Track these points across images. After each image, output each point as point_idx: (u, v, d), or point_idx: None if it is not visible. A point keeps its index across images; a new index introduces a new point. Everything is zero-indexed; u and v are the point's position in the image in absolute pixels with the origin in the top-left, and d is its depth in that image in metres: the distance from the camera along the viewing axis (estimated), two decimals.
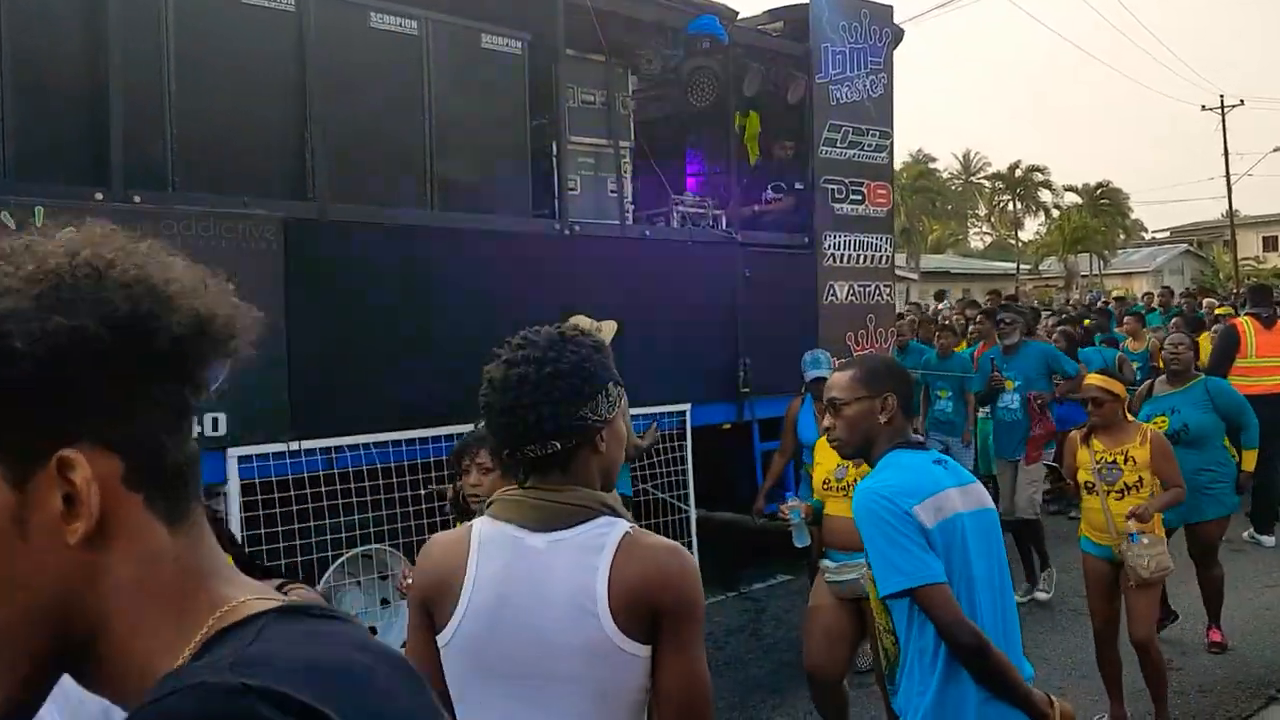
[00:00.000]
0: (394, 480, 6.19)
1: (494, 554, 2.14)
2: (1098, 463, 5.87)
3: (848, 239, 9.10)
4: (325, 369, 6.05)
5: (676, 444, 7.91)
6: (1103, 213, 63.09)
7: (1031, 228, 68.26)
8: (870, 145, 9.26)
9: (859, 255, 9.21)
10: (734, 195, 8.72)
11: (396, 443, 6.25)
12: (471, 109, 6.90)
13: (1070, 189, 64.41)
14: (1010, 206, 65.26)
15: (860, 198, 9.21)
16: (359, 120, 6.39)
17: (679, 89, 8.42)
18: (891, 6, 9.49)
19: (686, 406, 7.92)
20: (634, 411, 7.49)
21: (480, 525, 2.20)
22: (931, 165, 63.78)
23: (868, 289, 9.29)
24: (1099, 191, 64.25)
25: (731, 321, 8.33)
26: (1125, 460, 5.81)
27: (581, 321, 6.55)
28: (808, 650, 5.50)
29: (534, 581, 2.10)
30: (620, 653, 2.07)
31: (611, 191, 7.77)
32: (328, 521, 6.00)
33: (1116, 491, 5.80)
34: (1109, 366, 11.99)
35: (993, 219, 68.91)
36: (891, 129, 9.48)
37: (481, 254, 6.80)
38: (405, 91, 6.59)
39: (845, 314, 9.07)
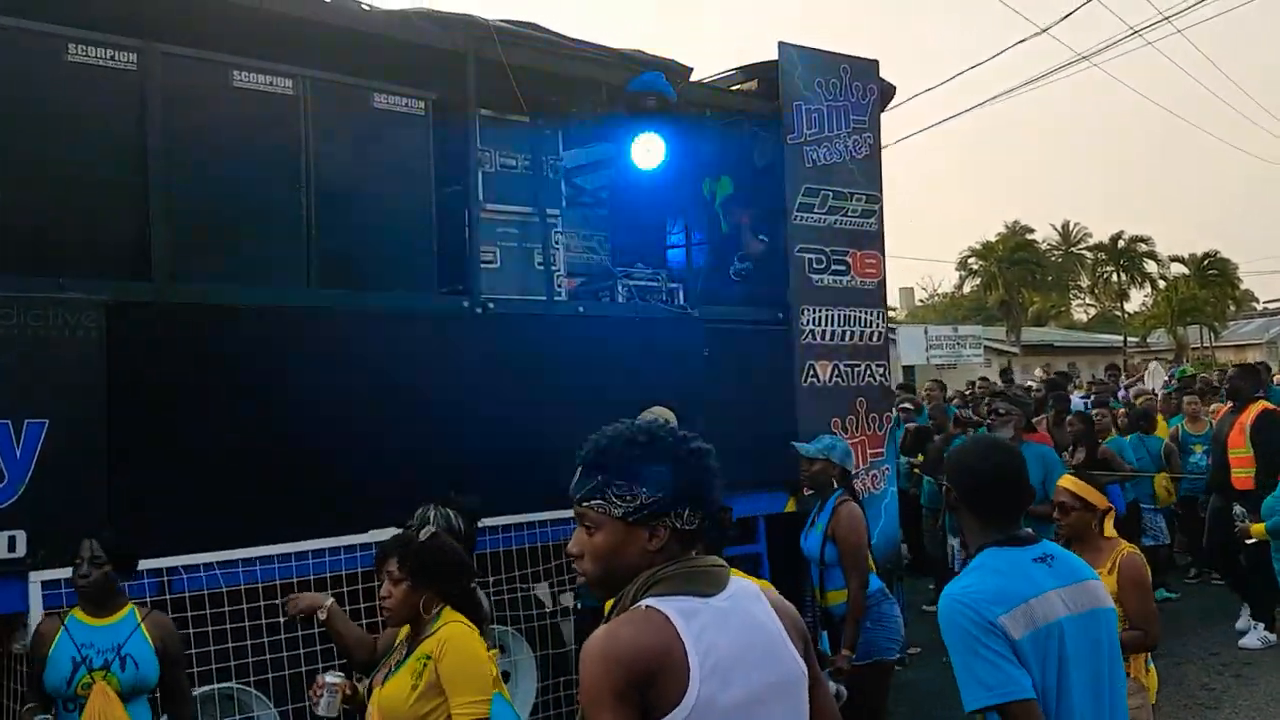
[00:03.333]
0: (243, 605, 5.39)
1: (698, 621, 2.23)
2: None
3: (830, 313, 8.16)
4: (156, 476, 5.30)
5: None
6: (1211, 283, 60.62)
7: (1137, 299, 66.01)
8: (855, 210, 8.35)
9: (844, 331, 8.26)
10: (698, 266, 7.88)
11: (249, 561, 5.46)
12: (362, 175, 6.20)
13: (1176, 259, 62.08)
14: (1114, 278, 63.14)
15: (844, 268, 8.28)
16: (218, 189, 5.71)
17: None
18: (876, 61, 8.62)
19: None
20: (554, 515, 6.67)
21: (661, 603, 2.24)
22: (1029, 236, 61.94)
23: (855, 369, 8.32)
24: (1206, 261, 61.77)
25: (689, 406, 7.42)
26: None
27: (664, 412, 6.15)
28: None
29: (741, 635, 2.28)
30: (804, 676, 2.38)
31: (539, 264, 6.97)
32: None
33: None
34: (1155, 458, 10.87)
35: (1096, 290, 66.75)
36: (880, 192, 8.56)
37: (368, 338, 6.05)
38: (278, 157, 5.92)
39: (829, 397, 8.10)
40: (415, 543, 4.11)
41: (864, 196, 8.41)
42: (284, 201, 5.89)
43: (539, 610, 6.63)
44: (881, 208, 8.58)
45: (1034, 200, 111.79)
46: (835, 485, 6.25)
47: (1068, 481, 5.10)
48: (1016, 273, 58.22)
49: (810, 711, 2.40)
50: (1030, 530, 3.14)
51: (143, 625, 4.57)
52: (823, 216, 8.15)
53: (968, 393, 12.50)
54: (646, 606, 2.24)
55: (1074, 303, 72.00)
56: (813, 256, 8.10)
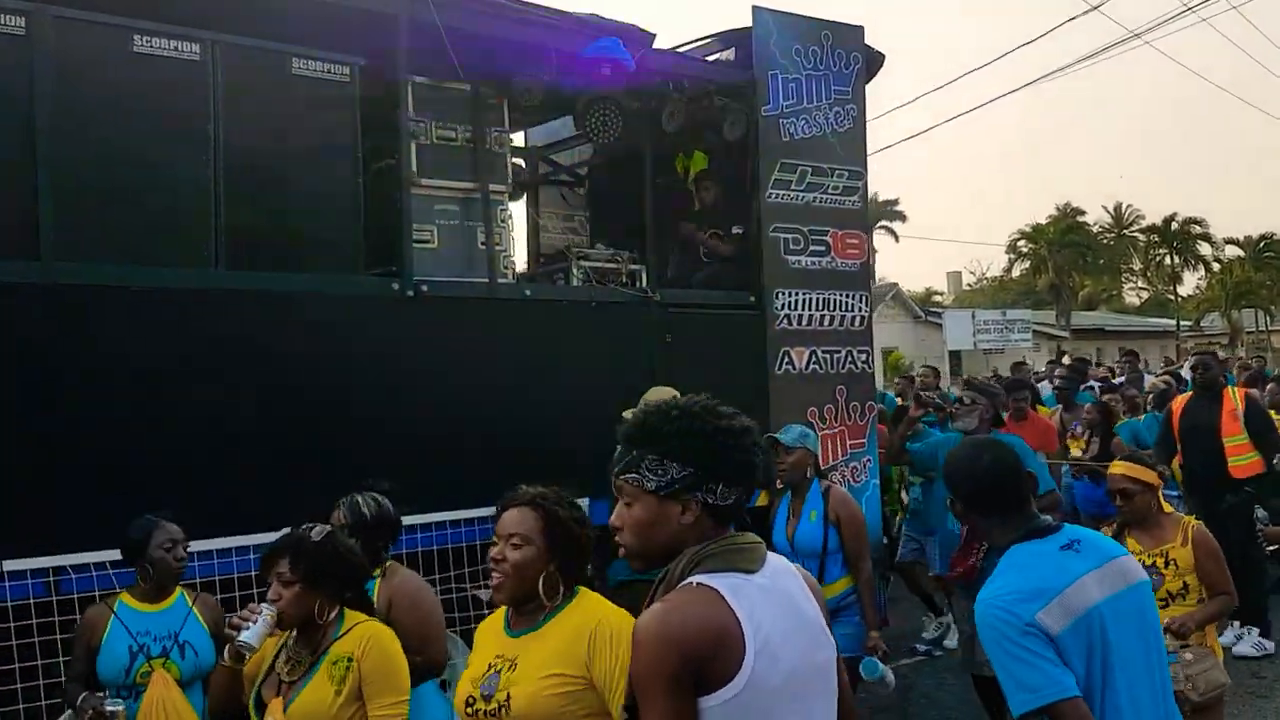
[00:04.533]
0: None
1: (748, 599, 2.26)
2: None
3: (807, 297, 7.66)
4: (40, 470, 4.92)
5: None
6: (1267, 266, 59.20)
7: (1191, 282, 64.65)
8: (836, 188, 7.83)
9: (823, 316, 7.75)
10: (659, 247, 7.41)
11: None
12: (279, 148, 5.78)
13: (1231, 241, 60.64)
14: (1167, 260, 61.82)
15: (824, 249, 7.77)
16: (115, 164, 5.31)
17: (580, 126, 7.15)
18: (861, 28, 8.07)
19: (583, 501, 6.55)
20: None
21: (712, 579, 2.27)
22: (1080, 218, 60.75)
23: (836, 356, 7.81)
24: (1262, 244, 60.26)
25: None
26: (1165, 563, 4.98)
27: (667, 393, 6.03)
28: None
29: (782, 611, 2.32)
30: (835, 661, 2.46)
31: (482, 244, 6.52)
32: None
33: (1159, 601, 4.45)
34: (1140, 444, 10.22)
35: (1148, 273, 65.41)
36: (865, 168, 8.03)
37: (279, 323, 5.65)
38: (183, 128, 5.50)
39: (806, 386, 7.60)
40: (308, 542, 3.71)
41: (846, 172, 7.89)
42: (188, 177, 5.46)
43: (478, 612, 6.20)
44: (866, 184, 8.06)
45: (1085, 182, 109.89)
46: (811, 475, 5.95)
47: (1122, 468, 5.17)
48: (1067, 255, 57.32)
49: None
50: (1049, 518, 3.08)
51: (194, 609, 4.53)
52: (800, 194, 7.65)
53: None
54: (698, 584, 2.28)
55: (1126, 286, 70.82)
56: (789, 236, 7.60)
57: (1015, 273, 63.27)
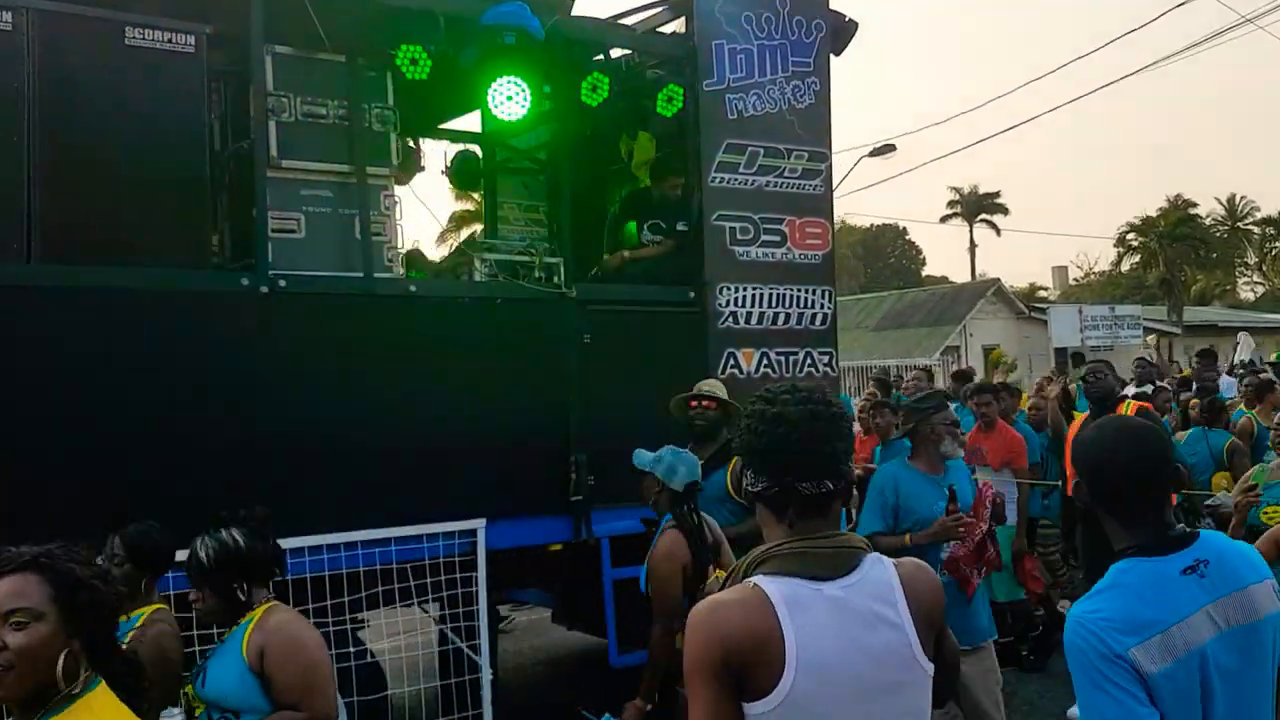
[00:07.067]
0: None
1: (804, 611, 2.16)
2: None
3: (757, 292, 6.83)
4: None
5: (465, 575, 5.88)
6: None
7: None
8: (794, 170, 6.99)
9: (777, 314, 6.92)
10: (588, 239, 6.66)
11: None
12: (109, 128, 5.16)
13: None
14: None
15: (778, 239, 6.93)
16: None
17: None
18: None
19: (479, 524, 5.87)
20: (396, 532, 5.59)
21: (770, 584, 2.19)
22: (1192, 210, 58.34)
23: (793, 358, 6.98)
24: None
25: (560, 405, 6.24)
26: None
27: (713, 385, 6.06)
28: None
29: (850, 630, 2.18)
30: (927, 678, 2.29)
31: (359, 235, 5.84)
32: None
33: None
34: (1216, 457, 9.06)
35: (1264, 267, 62.59)
36: (828, 148, 7.17)
37: (102, 323, 5.04)
38: None
39: (755, 391, 6.76)
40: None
41: (806, 153, 7.04)
42: None
43: (356, 649, 5.53)
44: (829, 166, 7.19)
45: (1197, 173, 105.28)
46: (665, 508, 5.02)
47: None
48: (1178, 249, 55.20)
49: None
50: (1184, 527, 2.69)
51: (129, 634, 3.87)
52: (750, 177, 6.83)
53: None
54: (754, 585, 2.20)
55: (1240, 281, 67.90)
56: (736, 225, 6.79)
57: (1124, 267, 61.13)
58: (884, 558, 2.33)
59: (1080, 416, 7.81)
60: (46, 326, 4.93)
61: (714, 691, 2.14)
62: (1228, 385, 13.59)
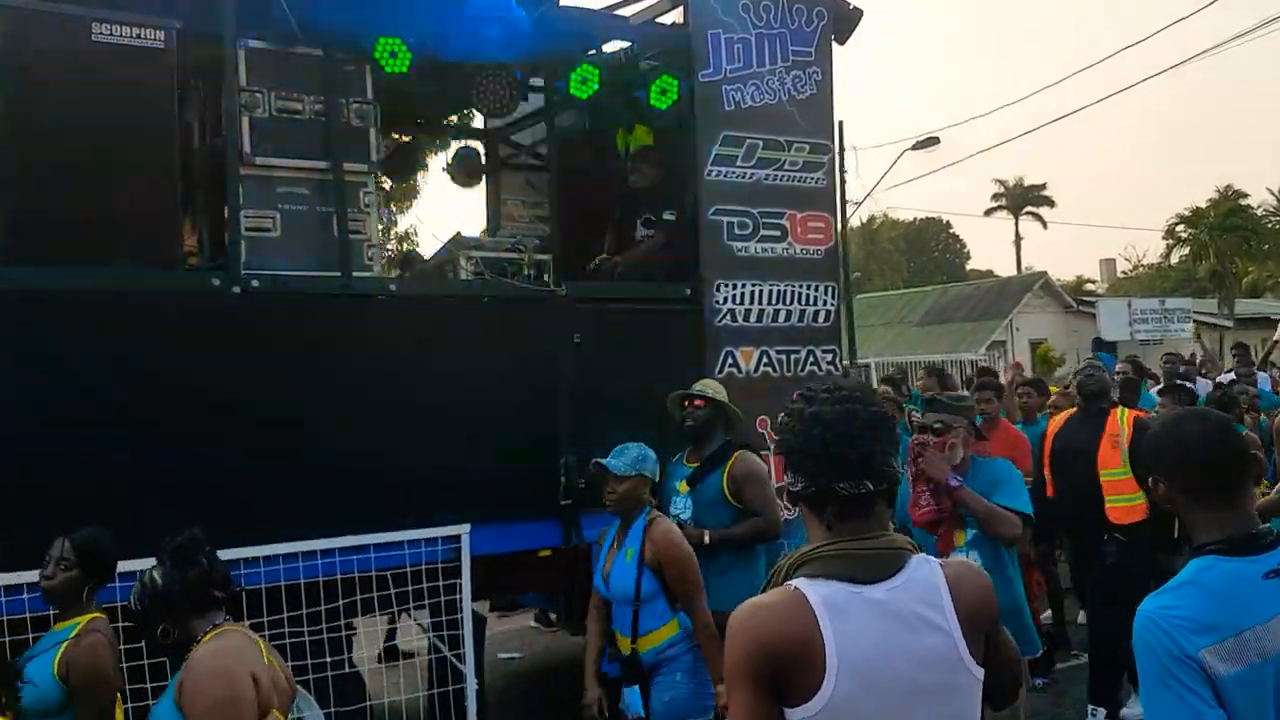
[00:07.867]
0: None
1: (844, 615, 2.13)
2: None
3: (757, 289, 6.62)
4: None
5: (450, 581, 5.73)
6: None
7: None
8: (794, 163, 6.76)
9: (778, 311, 6.70)
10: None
11: None
12: (75, 126, 5.04)
13: None
14: None
15: (779, 234, 6.72)
16: None
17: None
18: None
19: (463, 529, 5.71)
20: (377, 538, 5.45)
21: (810, 587, 2.16)
22: (1243, 201, 57.36)
23: (795, 356, 6.76)
24: None
25: (550, 405, 6.06)
26: None
27: (713, 386, 5.91)
28: None
29: (893, 634, 2.14)
30: (976, 682, 2.23)
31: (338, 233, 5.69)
32: None
33: None
34: None
35: None
36: (830, 139, 6.94)
37: (61, 328, 4.91)
38: None
39: (757, 392, 6.55)
40: None
41: (807, 146, 6.81)
42: None
43: (316, 660, 5.38)
44: (833, 159, 6.96)
45: (1248, 163, 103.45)
46: (644, 502, 4.96)
47: None
48: (1229, 241, 54.39)
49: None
50: (1268, 528, 2.59)
51: (64, 644, 3.77)
52: (749, 170, 6.62)
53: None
54: (795, 588, 2.17)
55: None
56: (734, 220, 6.58)
57: (1174, 259, 60.25)
58: (931, 559, 2.28)
59: (1061, 415, 7.41)
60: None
61: (753, 694, 2.12)
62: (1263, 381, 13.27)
